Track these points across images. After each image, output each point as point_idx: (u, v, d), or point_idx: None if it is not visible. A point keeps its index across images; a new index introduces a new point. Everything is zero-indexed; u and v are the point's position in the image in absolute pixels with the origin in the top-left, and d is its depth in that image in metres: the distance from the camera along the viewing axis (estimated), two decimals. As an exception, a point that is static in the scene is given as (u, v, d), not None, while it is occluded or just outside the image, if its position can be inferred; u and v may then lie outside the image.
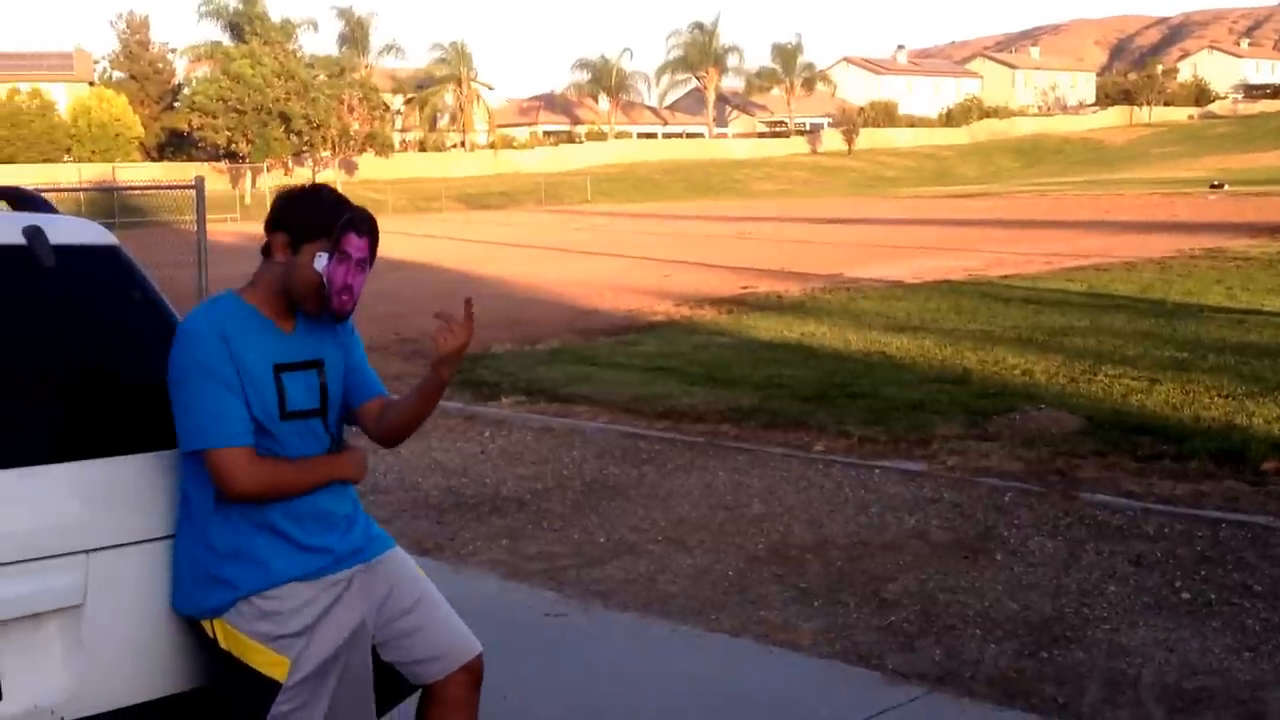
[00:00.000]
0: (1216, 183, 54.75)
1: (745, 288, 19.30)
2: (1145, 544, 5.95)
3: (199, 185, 11.18)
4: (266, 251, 2.98)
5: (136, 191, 39.33)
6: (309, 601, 2.90)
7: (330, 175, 70.26)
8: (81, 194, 42.88)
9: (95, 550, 2.76)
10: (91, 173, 58.36)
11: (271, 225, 2.97)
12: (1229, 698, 4.30)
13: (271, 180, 65.72)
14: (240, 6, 71.64)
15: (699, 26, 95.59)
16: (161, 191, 22.42)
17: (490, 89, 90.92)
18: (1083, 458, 7.59)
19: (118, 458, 2.84)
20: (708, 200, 68.90)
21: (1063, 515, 6.46)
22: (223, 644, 2.87)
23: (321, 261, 2.88)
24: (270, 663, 2.86)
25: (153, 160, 70.01)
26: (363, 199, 65.07)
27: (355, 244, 2.90)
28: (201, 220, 10.91)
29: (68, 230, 3.03)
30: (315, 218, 2.92)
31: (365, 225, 2.92)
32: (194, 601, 2.87)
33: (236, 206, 58.26)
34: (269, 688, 2.86)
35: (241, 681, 2.88)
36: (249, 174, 66.72)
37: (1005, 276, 19.51)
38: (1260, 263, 20.43)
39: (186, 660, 2.91)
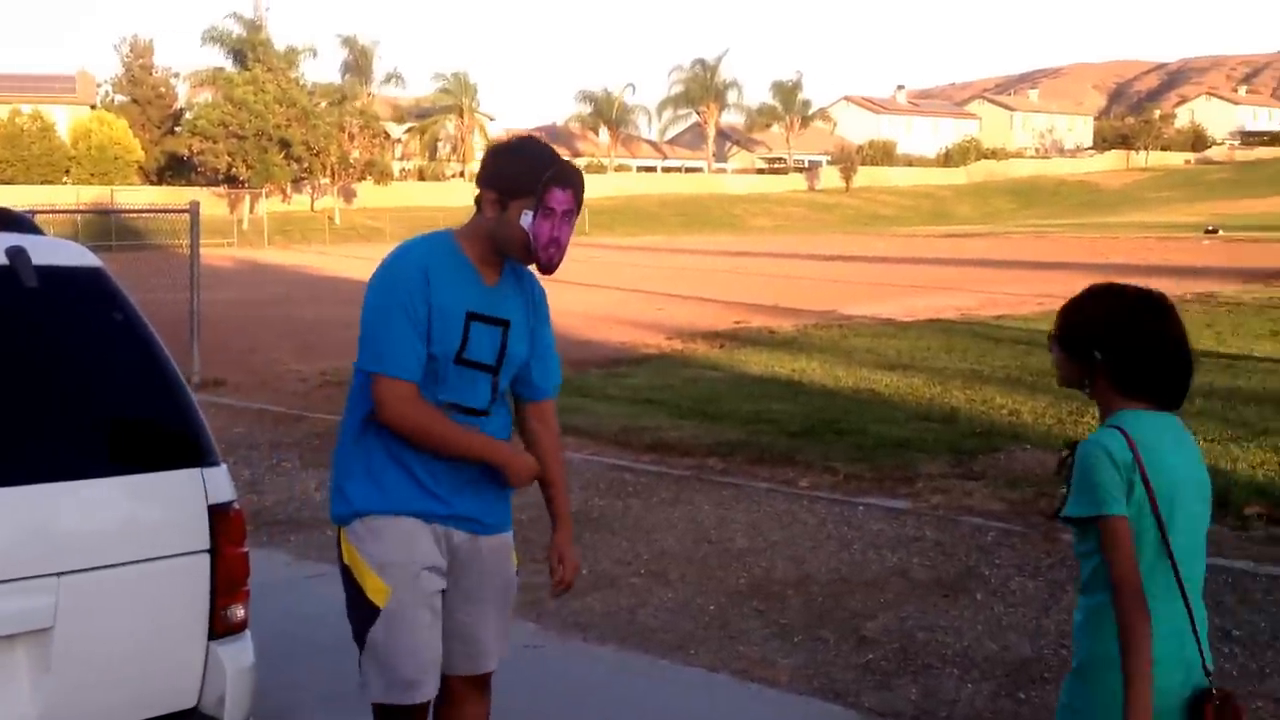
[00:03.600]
0: (1211, 228, 55.06)
1: (738, 323, 19.34)
2: (1126, 587, 5.94)
3: (193, 210, 11.21)
4: (480, 204, 3.03)
5: (133, 214, 39.30)
6: (418, 538, 2.98)
7: (329, 202, 70.47)
8: (79, 216, 42.87)
9: (66, 573, 2.75)
10: (90, 195, 58.27)
11: (482, 182, 3.03)
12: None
13: (269, 206, 65.89)
14: (244, 34, 71.98)
15: (701, 63, 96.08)
16: (158, 215, 22.41)
17: (492, 119, 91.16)
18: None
19: (91, 480, 2.84)
20: (705, 235, 69.06)
21: (1044, 556, 6.47)
22: (345, 559, 3.00)
23: (527, 219, 2.95)
24: (376, 588, 2.96)
25: (152, 184, 70.04)
26: (361, 226, 65.56)
27: (559, 198, 2.95)
28: (195, 244, 10.92)
29: (51, 251, 3.05)
30: (522, 175, 2.96)
31: (570, 178, 2.97)
32: (330, 508, 3.03)
33: (234, 231, 58.66)
34: (370, 611, 2.97)
35: (352, 599, 3.02)
36: (248, 199, 66.89)
37: (998, 316, 19.56)
38: (1252, 308, 20.52)
39: (157, 686, 2.90)
